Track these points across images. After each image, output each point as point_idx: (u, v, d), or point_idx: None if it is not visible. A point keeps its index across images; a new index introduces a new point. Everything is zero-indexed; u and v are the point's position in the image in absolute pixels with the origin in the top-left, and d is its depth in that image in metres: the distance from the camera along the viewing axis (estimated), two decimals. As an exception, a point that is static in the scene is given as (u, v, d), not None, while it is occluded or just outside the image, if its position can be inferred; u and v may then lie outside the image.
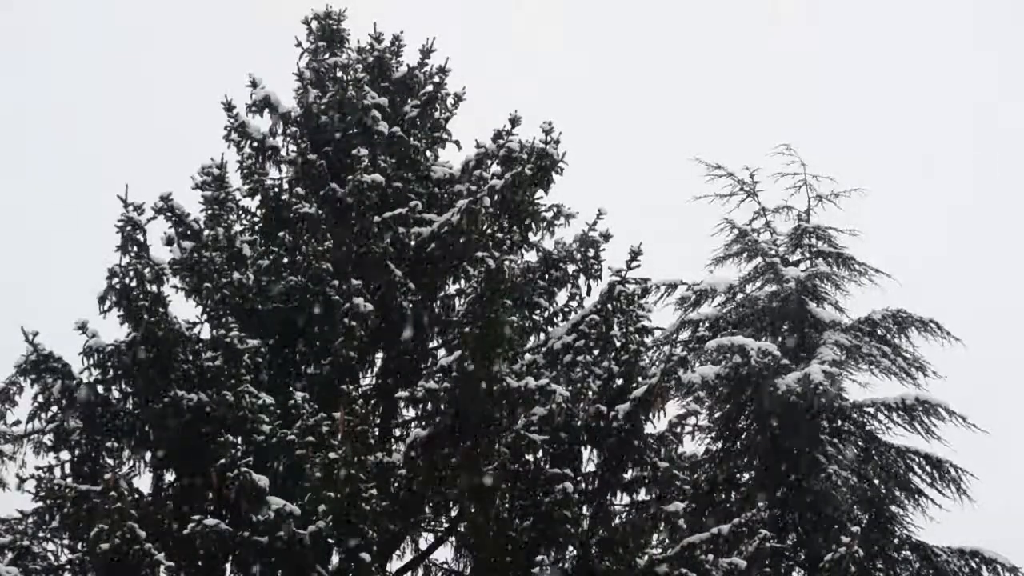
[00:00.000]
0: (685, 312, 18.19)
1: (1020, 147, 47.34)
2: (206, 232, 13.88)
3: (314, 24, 15.82)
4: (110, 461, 12.60)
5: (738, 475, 17.03)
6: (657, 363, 15.67)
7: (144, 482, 12.85)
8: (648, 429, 13.00)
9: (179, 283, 13.62)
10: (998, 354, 27.40)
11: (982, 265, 38.78)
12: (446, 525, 13.76)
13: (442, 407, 12.69)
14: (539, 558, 11.83)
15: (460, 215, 13.96)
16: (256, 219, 14.77)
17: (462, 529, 13.32)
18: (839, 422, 17.19)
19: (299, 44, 15.76)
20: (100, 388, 12.98)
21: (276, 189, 14.79)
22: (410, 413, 13.76)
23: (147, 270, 12.87)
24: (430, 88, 15.52)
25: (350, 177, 14.13)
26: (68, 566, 12.40)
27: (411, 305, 14.10)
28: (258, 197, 14.78)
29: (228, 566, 12.04)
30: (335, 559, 12.13)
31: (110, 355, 12.93)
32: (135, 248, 13.02)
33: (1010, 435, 18.83)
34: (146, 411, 12.84)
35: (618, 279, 13.80)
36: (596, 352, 13.58)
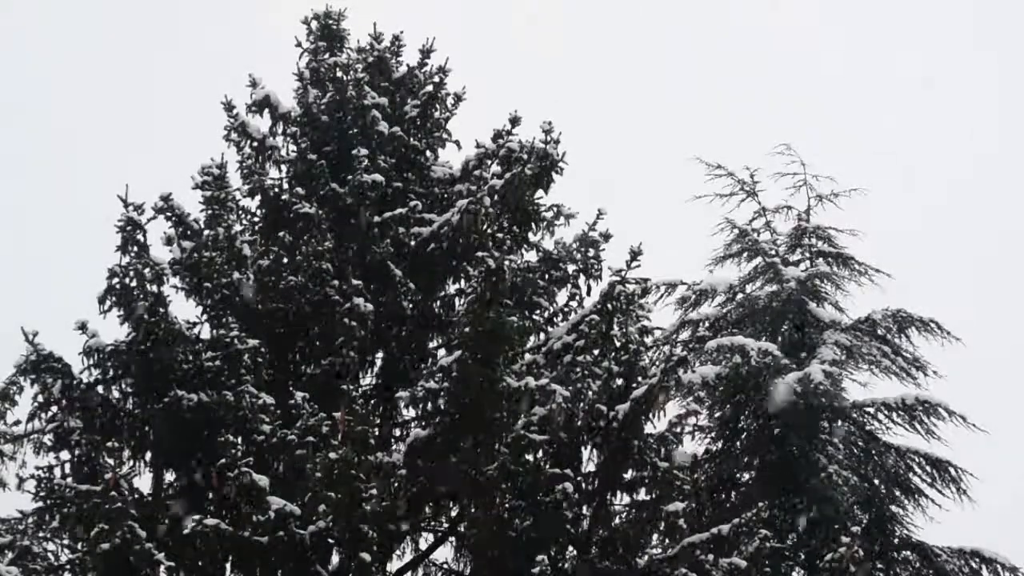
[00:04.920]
0: (685, 312, 18.18)
1: (1021, 147, 47.34)
2: (206, 232, 13.88)
3: (314, 24, 15.81)
4: (110, 461, 12.59)
5: (738, 475, 17.03)
6: (657, 363, 15.65)
7: (144, 482, 12.88)
8: (648, 429, 13.01)
9: (179, 283, 13.63)
10: (998, 354, 27.39)
11: (982, 265, 38.76)
12: (446, 525, 13.77)
13: (442, 407, 12.69)
14: (539, 558, 11.83)
15: (460, 215, 13.97)
16: (256, 219, 14.77)
17: (462, 529, 13.32)
18: (839, 422, 17.19)
19: (299, 44, 15.75)
20: (100, 388, 12.98)
21: (276, 189, 14.79)
22: (410, 413, 13.76)
23: (147, 270, 12.87)
24: (430, 88, 15.51)
25: (350, 177, 14.14)
26: (68, 566, 12.41)
27: (411, 305, 14.10)
28: (258, 197, 14.78)
29: (228, 566, 12.04)
30: (335, 559, 12.14)
31: (110, 355, 12.94)
32: (135, 248, 13.03)
33: (1010, 435, 18.81)
34: (146, 411, 12.85)
35: (618, 279, 13.80)
36: (596, 352, 13.59)
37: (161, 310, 12.80)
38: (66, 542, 12.55)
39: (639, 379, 13.06)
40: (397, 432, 14.17)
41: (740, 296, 18.19)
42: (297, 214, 13.93)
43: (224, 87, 15.17)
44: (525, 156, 14.47)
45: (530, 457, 12.42)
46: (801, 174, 18.64)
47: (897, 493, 17.05)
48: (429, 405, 12.89)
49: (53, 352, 12.89)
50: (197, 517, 11.54)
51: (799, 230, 18.51)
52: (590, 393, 12.96)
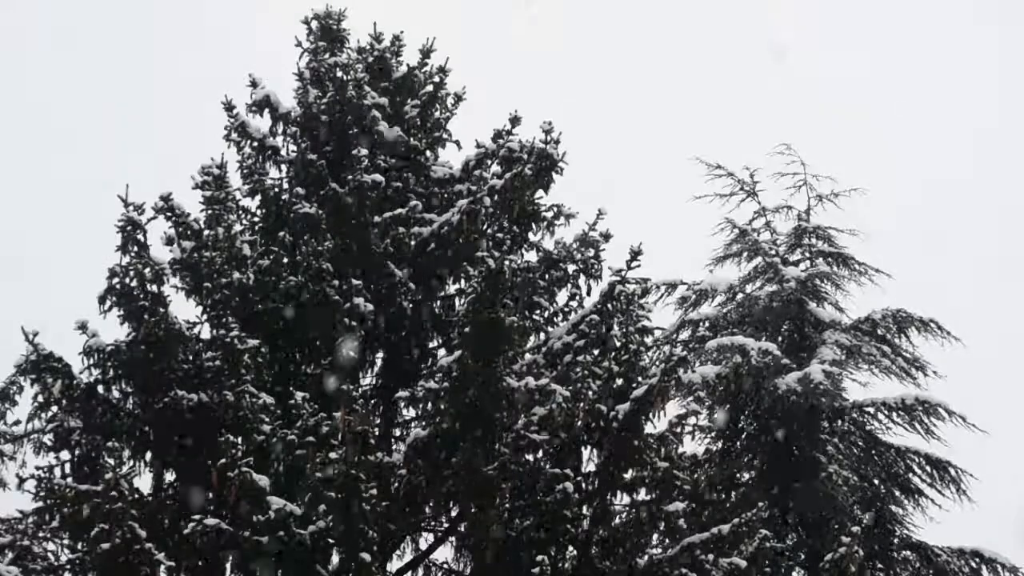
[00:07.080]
0: (685, 312, 18.22)
1: (1021, 147, 47.34)
2: (206, 232, 13.87)
3: (314, 24, 15.81)
4: (110, 461, 12.59)
5: (738, 475, 17.04)
6: (657, 363, 15.66)
7: (144, 482, 12.86)
8: (648, 429, 12.99)
9: (179, 283, 13.62)
10: (998, 354, 27.41)
11: (982, 265, 38.78)
12: (446, 525, 13.76)
13: (442, 407, 12.69)
14: (539, 558, 11.82)
15: (460, 215, 13.97)
16: (256, 219, 14.77)
17: (462, 529, 13.32)
18: (839, 422, 17.21)
19: (299, 44, 15.74)
20: (100, 388, 12.97)
21: (276, 189, 14.79)
22: (410, 413, 13.77)
23: (147, 270, 12.87)
24: (430, 88, 15.51)
25: (350, 177, 14.13)
26: (68, 566, 12.40)
27: (411, 305, 14.10)
28: (258, 197, 14.77)
29: (228, 566, 12.04)
30: (335, 559, 12.12)
31: (110, 355, 12.92)
32: (135, 248, 13.02)
33: (1010, 435, 18.83)
34: (146, 411, 12.84)
35: (618, 279, 13.80)
36: (596, 352, 13.58)
37: (161, 310, 12.78)
38: (66, 542, 12.53)
39: (639, 379, 13.04)
40: (397, 432, 14.17)
41: (740, 296, 18.23)
42: (297, 214, 13.92)
43: (224, 87, 15.18)
44: (525, 156, 14.47)
45: (530, 457, 12.42)
46: (801, 174, 18.71)
47: (897, 493, 17.09)
48: (429, 405, 12.89)
49: (53, 352, 12.87)
50: (197, 517, 11.53)
51: (799, 230, 18.55)
52: (590, 393, 12.95)
